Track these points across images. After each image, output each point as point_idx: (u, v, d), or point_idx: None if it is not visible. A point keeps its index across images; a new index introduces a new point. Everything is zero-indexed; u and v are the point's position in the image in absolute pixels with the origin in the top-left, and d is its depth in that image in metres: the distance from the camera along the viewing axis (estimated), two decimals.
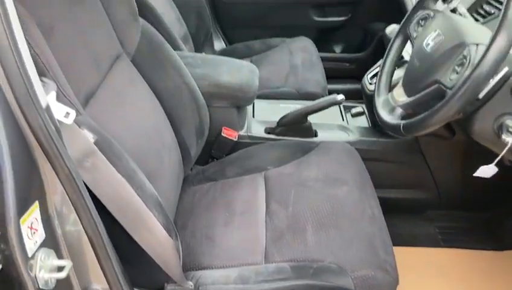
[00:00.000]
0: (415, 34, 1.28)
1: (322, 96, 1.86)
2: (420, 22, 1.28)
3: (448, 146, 1.54)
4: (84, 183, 0.78)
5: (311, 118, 1.59)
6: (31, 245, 0.66)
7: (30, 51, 0.71)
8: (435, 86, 1.07)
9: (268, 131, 1.63)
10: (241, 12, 2.48)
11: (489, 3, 1.39)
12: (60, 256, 0.73)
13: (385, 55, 1.36)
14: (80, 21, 1.01)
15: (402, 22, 1.35)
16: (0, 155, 0.61)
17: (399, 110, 1.18)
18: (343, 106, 1.80)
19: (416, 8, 1.31)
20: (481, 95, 1.00)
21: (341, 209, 1.18)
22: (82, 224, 0.76)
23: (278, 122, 1.60)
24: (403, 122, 1.11)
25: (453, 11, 1.35)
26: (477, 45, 1.03)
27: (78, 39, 0.98)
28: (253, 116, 1.72)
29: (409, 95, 1.18)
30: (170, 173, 1.21)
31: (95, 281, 0.82)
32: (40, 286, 0.66)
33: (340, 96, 1.52)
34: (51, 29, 0.88)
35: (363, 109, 1.79)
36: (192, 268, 1.09)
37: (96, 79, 1.02)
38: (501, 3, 1.30)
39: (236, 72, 1.56)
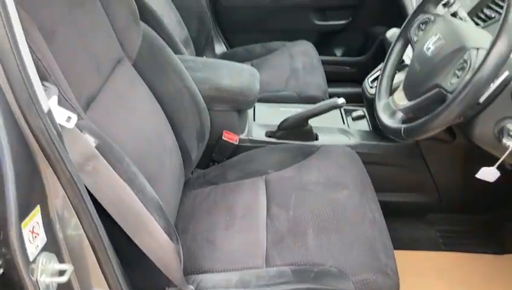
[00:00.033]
0: (415, 38, 1.28)
1: (323, 99, 1.86)
2: (421, 26, 1.28)
3: (449, 150, 1.54)
4: (85, 187, 0.78)
5: (312, 122, 1.59)
6: (32, 249, 0.66)
7: (32, 55, 0.71)
8: (435, 90, 1.07)
9: (269, 134, 1.63)
10: (241, 16, 2.49)
11: (490, 7, 1.39)
12: (61, 260, 0.73)
13: (386, 59, 1.36)
14: (81, 24, 1.01)
15: (403, 26, 1.35)
16: (2, 159, 0.61)
17: (400, 114, 1.18)
18: (344, 110, 1.80)
19: (416, 12, 1.31)
20: (482, 99, 1.00)
21: (342, 213, 1.18)
22: (83, 228, 0.76)
23: (278, 126, 1.60)
24: (403, 126, 1.11)
25: (454, 15, 1.36)
26: (477, 49, 1.03)
27: (79, 43, 0.99)
28: (254, 120, 1.72)
29: (409, 99, 1.18)
30: (171, 177, 1.21)
31: (96, 285, 0.82)
32: None
33: (341, 100, 1.53)
34: (52, 33, 0.88)
35: (363, 112, 1.79)
36: (193, 272, 1.09)
37: (98, 83, 1.02)
38: (501, 7, 1.31)
39: (237, 75, 1.56)
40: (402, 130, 1.11)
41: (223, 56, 2.39)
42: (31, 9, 0.82)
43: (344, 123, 1.74)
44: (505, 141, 1.01)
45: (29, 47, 0.71)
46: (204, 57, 2.19)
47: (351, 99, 1.80)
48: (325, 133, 1.65)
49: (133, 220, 0.90)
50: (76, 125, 0.80)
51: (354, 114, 1.78)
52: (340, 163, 1.37)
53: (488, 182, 1.11)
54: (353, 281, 1.01)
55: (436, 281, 1.54)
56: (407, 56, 1.42)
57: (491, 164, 1.07)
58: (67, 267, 0.70)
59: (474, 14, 1.43)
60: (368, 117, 1.76)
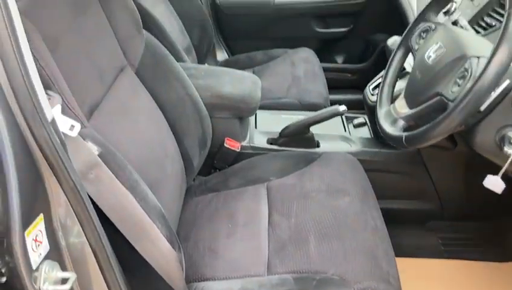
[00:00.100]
0: (416, 46, 1.29)
1: (324, 107, 1.87)
2: (422, 34, 1.29)
3: (450, 157, 1.55)
4: (88, 195, 0.79)
5: (314, 129, 1.59)
6: (35, 257, 0.66)
7: (36, 64, 0.72)
8: (436, 98, 1.08)
9: (271, 142, 1.63)
10: (243, 24, 2.50)
11: (490, 16, 1.40)
12: (63, 268, 0.73)
13: (387, 67, 1.37)
14: (84, 33, 1.02)
15: (404, 34, 1.35)
16: (6, 168, 0.62)
17: (401, 122, 1.18)
18: (345, 117, 1.81)
19: (417, 21, 1.32)
20: (483, 108, 1.00)
21: (343, 220, 1.18)
22: (86, 236, 0.77)
23: (280, 133, 1.61)
24: (405, 134, 1.12)
25: (455, 23, 1.36)
26: (478, 57, 1.03)
27: (82, 51, 0.99)
28: (256, 127, 1.72)
29: (410, 107, 1.19)
30: (173, 183, 1.21)
31: None
32: None
33: (342, 108, 1.53)
34: (56, 42, 0.89)
35: (365, 119, 1.79)
36: (195, 280, 1.09)
37: (101, 91, 1.03)
38: (502, 15, 1.31)
39: (239, 83, 1.57)
40: (403, 138, 1.11)
41: (225, 63, 2.40)
42: (35, 18, 0.83)
43: (345, 130, 1.75)
44: (506, 149, 1.01)
45: (33, 56, 0.72)
46: (206, 64, 2.20)
47: (352, 106, 1.81)
48: (327, 140, 1.65)
49: (135, 228, 0.90)
50: (80, 133, 0.81)
51: (356, 121, 1.78)
52: (341, 170, 1.37)
53: (490, 189, 1.11)
54: (355, 289, 1.01)
55: (438, 289, 1.54)
56: (408, 64, 1.43)
57: (492, 171, 1.07)
58: (70, 275, 0.71)
59: (475, 22, 1.44)
60: (369, 124, 1.76)
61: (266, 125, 1.73)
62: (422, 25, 1.30)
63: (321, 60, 2.28)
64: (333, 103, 1.74)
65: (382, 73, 1.43)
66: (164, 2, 1.99)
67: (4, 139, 0.61)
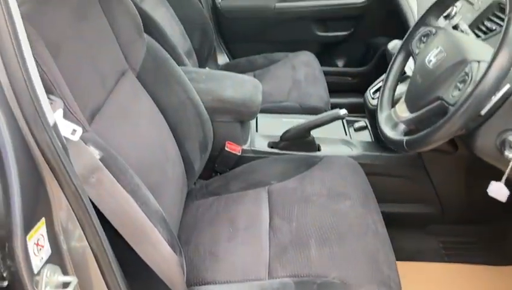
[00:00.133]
0: (417, 51, 1.29)
1: (325, 110, 1.88)
2: (422, 38, 1.29)
3: (451, 160, 1.55)
4: (89, 199, 0.79)
5: (314, 133, 1.60)
6: (37, 261, 0.66)
7: (38, 69, 0.72)
8: (437, 102, 1.08)
9: (272, 145, 1.63)
10: (244, 27, 2.51)
11: (491, 20, 1.40)
12: (65, 272, 0.73)
13: (387, 71, 1.37)
14: (86, 38, 1.02)
15: (404, 38, 1.36)
16: (9, 172, 0.62)
17: (402, 126, 1.19)
18: (346, 120, 1.81)
19: (418, 25, 1.32)
20: (483, 112, 1.00)
21: (344, 224, 1.18)
22: (87, 240, 0.77)
23: (281, 137, 1.61)
24: (405, 138, 1.12)
25: (455, 27, 1.37)
26: (478, 62, 1.03)
27: (84, 55, 1.00)
28: (257, 131, 1.73)
29: (411, 111, 1.19)
30: (174, 187, 1.21)
31: None
32: None
33: (343, 111, 1.53)
34: (58, 46, 0.89)
35: (365, 123, 1.80)
36: (196, 283, 1.09)
37: (102, 95, 1.03)
38: (502, 19, 1.32)
39: (240, 87, 1.57)
40: (404, 142, 1.11)
41: (226, 67, 2.40)
42: (37, 23, 0.84)
43: (346, 134, 1.75)
44: (507, 153, 1.01)
45: (35, 61, 0.72)
46: (207, 68, 2.20)
47: (353, 109, 1.81)
48: (327, 144, 1.65)
49: (137, 231, 0.90)
50: (81, 138, 0.81)
51: (356, 125, 1.79)
52: (342, 174, 1.37)
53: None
54: None
55: None
56: (409, 68, 1.43)
57: (493, 175, 1.07)
58: (72, 279, 0.71)
59: (475, 26, 1.44)
60: (369, 128, 1.77)
61: (267, 129, 1.73)
62: (423, 29, 1.30)
63: (322, 64, 2.29)
64: (334, 106, 1.74)
65: (383, 77, 1.43)
66: (165, 5, 2.00)
67: (6, 143, 0.62)
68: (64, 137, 0.76)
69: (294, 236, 1.16)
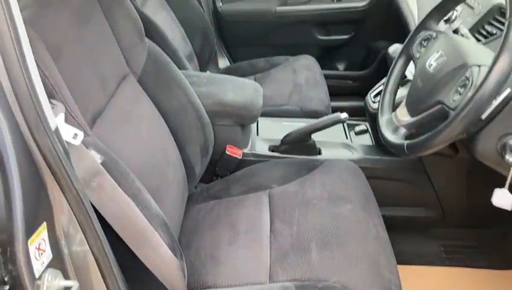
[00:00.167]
0: (417, 55, 1.29)
1: (326, 114, 1.87)
2: (423, 42, 1.29)
3: (452, 164, 1.55)
4: (91, 203, 0.79)
5: (315, 136, 1.60)
6: (38, 266, 0.66)
7: (39, 73, 0.72)
8: (437, 106, 1.08)
9: (272, 149, 1.63)
10: (245, 31, 2.51)
11: (491, 24, 1.40)
12: (66, 276, 0.73)
13: (388, 75, 1.37)
14: (88, 42, 1.03)
15: (405, 42, 1.36)
16: (10, 177, 0.62)
17: (402, 130, 1.19)
18: (347, 124, 1.81)
19: (418, 29, 1.32)
20: (484, 116, 1.01)
21: (345, 228, 1.18)
22: (88, 244, 0.77)
23: (281, 140, 1.61)
24: (406, 142, 1.12)
25: (455, 31, 1.37)
26: (479, 66, 1.04)
27: (85, 60, 1.00)
28: (257, 134, 1.73)
29: (412, 115, 1.19)
30: (174, 191, 1.21)
31: None
32: None
33: (344, 115, 1.53)
34: (58, 49, 0.89)
35: (366, 126, 1.79)
36: (196, 287, 1.09)
37: (103, 99, 1.04)
38: (503, 23, 1.32)
39: (241, 90, 1.57)
40: (405, 146, 1.11)
41: (227, 70, 2.40)
42: (38, 27, 0.84)
43: (347, 138, 1.75)
44: (507, 157, 1.01)
45: (37, 65, 0.72)
46: (208, 71, 2.21)
47: (353, 113, 1.81)
48: (328, 147, 1.65)
49: (138, 235, 0.90)
50: (83, 142, 0.81)
51: (357, 128, 1.79)
52: (343, 177, 1.37)
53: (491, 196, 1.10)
54: None
55: None
56: (410, 72, 1.43)
57: (493, 178, 1.07)
58: (73, 283, 0.71)
59: (476, 30, 1.45)
60: (370, 131, 1.77)
61: (268, 133, 1.73)
62: (423, 33, 1.30)
63: (322, 67, 2.29)
64: (335, 110, 1.75)
65: (383, 80, 1.43)
66: (166, 9, 2.00)
67: (8, 148, 0.62)
68: (66, 141, 0.76)
69: (295, 240, 1.16)
